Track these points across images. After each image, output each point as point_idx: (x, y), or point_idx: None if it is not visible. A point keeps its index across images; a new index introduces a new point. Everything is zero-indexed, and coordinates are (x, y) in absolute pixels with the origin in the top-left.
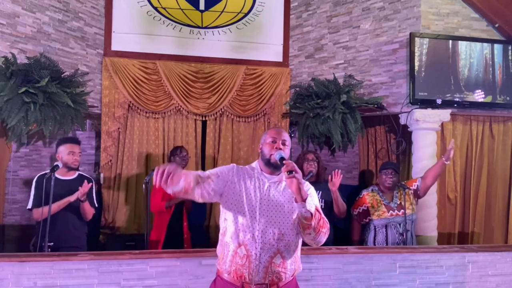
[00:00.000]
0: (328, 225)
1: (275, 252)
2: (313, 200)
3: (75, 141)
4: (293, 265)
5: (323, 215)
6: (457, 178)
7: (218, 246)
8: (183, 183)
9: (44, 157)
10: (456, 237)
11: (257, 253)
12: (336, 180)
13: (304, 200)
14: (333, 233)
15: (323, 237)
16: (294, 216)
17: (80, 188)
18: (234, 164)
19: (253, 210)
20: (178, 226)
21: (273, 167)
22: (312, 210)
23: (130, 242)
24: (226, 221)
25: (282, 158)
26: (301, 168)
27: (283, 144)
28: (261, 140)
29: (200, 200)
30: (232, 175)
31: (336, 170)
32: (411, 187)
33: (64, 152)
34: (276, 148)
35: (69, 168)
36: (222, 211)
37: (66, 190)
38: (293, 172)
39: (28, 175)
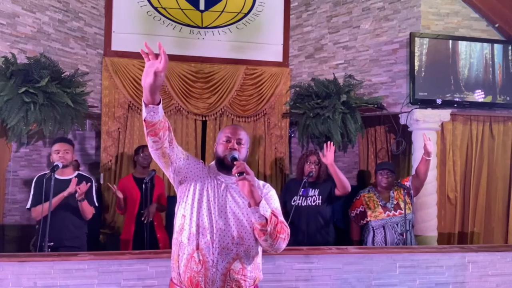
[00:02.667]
0: (288, 230)
1: (233, 258)
2: (273, 203)
3: (63, 140)
4: (253, 272)
5: (281, 218)
6: (457, 178)
7: (173, 246)
8: (163, 115)
9: (44, 157)
10: (456, 237)
11: (213, 259)
12: (328, 154)
13: (257, 204)
14: (333, 233)
15: (282, 243)
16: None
17: (78, 187)
18: (202, 161)
19: (211, 212)
20: (147, 225)
21: (227, 169)
22: (267, 214)
23: None
24: (184, 218)
25: (234, 159)
26: (302, 169)
27: (238, 143)
28: (217, 139)
29: (154, 152)
30: (199, 169)
31: (328, 142)
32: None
33: (52, 152)
34: (230, 148)
35: (63, 166)
36: (180, 205)
37: (65, 189)
38: (244, 174)
39: (28, 175)
